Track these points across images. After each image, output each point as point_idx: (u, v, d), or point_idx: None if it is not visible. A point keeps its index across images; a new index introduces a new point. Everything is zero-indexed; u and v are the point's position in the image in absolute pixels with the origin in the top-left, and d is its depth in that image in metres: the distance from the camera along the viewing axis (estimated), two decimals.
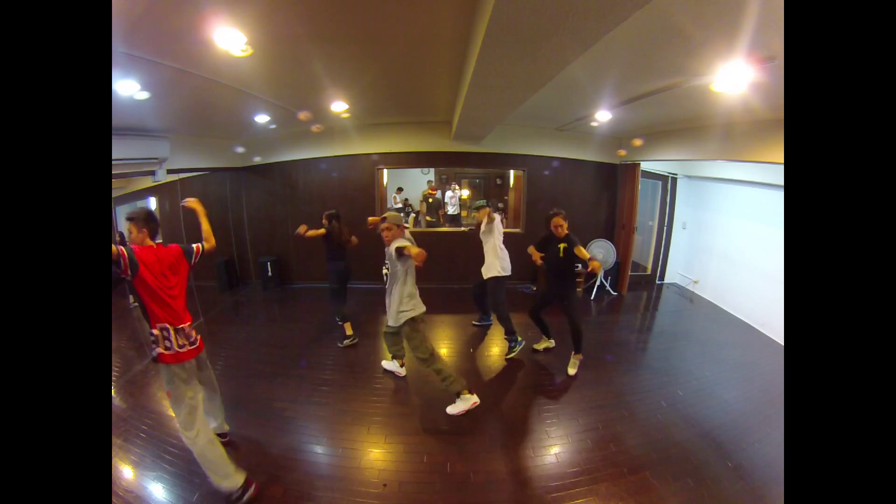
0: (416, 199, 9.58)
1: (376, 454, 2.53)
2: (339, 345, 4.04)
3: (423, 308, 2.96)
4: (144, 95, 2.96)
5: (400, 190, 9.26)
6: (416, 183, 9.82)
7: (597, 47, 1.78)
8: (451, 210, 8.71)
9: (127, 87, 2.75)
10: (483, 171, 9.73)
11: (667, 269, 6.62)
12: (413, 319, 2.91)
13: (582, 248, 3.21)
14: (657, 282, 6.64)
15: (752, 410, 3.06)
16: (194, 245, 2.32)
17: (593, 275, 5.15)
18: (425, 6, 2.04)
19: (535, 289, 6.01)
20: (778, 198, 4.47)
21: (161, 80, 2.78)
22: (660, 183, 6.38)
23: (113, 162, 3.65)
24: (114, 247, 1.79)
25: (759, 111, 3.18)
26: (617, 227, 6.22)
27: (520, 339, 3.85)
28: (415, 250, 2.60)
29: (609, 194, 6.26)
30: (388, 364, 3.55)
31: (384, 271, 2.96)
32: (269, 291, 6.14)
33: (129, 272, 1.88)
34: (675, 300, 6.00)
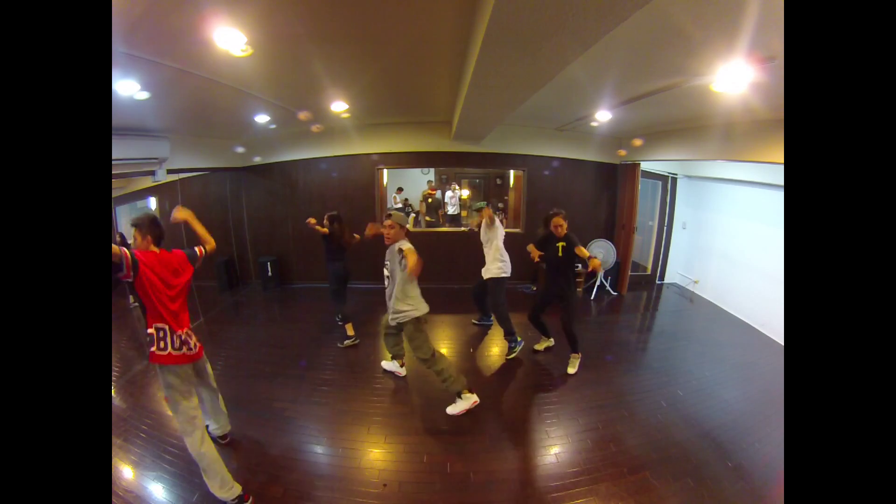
0: (416, 199, 9.57)
1: (376, 454, 2.53)
2: (340, 345, 4.04)
3: (426, 308, 2.92)
4: (144, 95, 2.97)
5: (400, 190, 9.26)
6: (416, 183, 9.81)
7: (597, 47, 1.78)
8: (450, 210, 8.71)
9: (127, 87, 2.75)
10: (483, 171, 9.71)
11: (667, 269, 6.62)
12: (417, 319, 2.88)
13: (582, 248, 3.22)
14: (657, 282, 6.64)
15: (752, 410, 3.06)
16: (197, 248, 2.35)
17: (594, 274, 5.15)
18: (425, 6, 2.05)
19: (534, 289, 6.00)
20: (778, 198, 4.47)
21: (161, 80, 2.78)
22: (660, 183, 6.38)
23: (113, 162, 3.65)
24: (115, 247, 1.79)
25: (759, 111, 3.18)
26: (617, 227, 6.22)
27: (519, 339, 3.86)
28: (412, 259, 2.59)
29: (609, 194, 6.26)
30: (388, 364, 3.55)
31: (385, 273, 2.95)
32: (269, 291, 6.14)
33: (130, 273, 1.89)
34: (675, 300, 6.00)
